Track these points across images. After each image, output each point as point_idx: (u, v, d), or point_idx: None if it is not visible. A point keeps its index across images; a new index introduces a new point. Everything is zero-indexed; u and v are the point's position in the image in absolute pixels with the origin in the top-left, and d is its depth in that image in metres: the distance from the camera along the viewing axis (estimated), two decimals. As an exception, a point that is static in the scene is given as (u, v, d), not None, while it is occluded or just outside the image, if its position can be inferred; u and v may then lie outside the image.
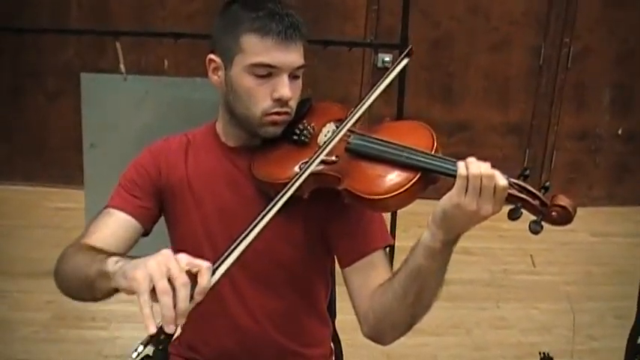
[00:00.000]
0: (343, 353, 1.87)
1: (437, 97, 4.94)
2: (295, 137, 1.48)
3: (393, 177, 1.30)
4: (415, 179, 1.28)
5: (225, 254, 1.20)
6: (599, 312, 3.52)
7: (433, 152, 1.31)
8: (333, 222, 1.51)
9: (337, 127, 1.44)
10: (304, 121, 1.50)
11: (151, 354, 1.09)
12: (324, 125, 1.50)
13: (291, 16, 1.43)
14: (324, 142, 1.39)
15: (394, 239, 3.29)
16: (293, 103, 1.46)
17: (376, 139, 1.38)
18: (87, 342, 3.05)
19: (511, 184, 1.22)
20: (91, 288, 1.26)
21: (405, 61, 1.53)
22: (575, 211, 1.21)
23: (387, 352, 3.04)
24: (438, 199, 1.24)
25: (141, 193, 1.54)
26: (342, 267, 1.51)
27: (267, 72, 1.41)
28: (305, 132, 1.48)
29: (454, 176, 1.21)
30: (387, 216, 3.24)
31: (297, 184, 1.33)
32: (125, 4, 4.66)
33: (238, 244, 1.22)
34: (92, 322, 3.22)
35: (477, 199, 1.19)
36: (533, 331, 3.36)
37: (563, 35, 4.80)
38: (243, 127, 1.50)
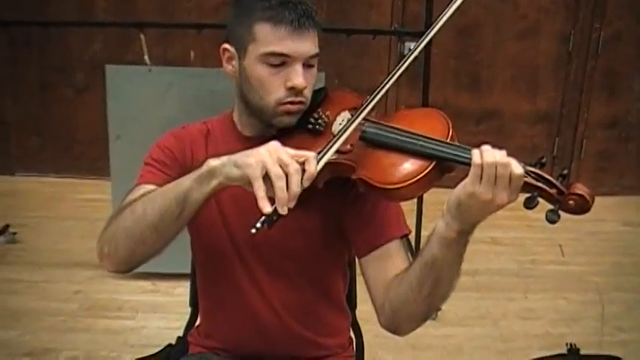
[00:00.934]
0: (368, 344, 1.86)
1: (464, 86, 4.89)
2: (310, 126, 1.47)
3: (408, 166, 1.29)
4: (430, 168, 1.27)
5: (326, 148, 1.30)
6: (628, 303, 3.47)
7: (448, 140, 1.30)
8: (348, 212, 1.50)
9: (352, 116, 1.42)
10: (319, 109, 1.49)
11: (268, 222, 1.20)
12: (338, 114, 1.49)
13: (304, 4, 1.41)
14: (339, 131, 1.38)
15: (420, 229, 3.29)
16: (307, 92, 1.45)
17: (391, 127, 1.36)
18: (113, 332, 3.08)
19: (527, 173, 1.20)
20: (182, 207, 1.29)
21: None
22: (593, 200, 1.18)
23: (412, 343, 3.04)
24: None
25: (169, 170, 1.52)
26: (359, 257, 1.51)
27: (280, 61, 1.40)
28: (320, 121, 1.47)
29: (469, 164, 1.19)
30: (413, 206, 3.25)
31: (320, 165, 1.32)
32: (150, -3, 4.69)
33: (334, 143, 1.32)
34: (119, 311, 3.25)
35: (492, 188, 1.17)
36: (561, 322, 3.32)
37: (592, 21, 4.71)
38: (257, 116, 1.49)
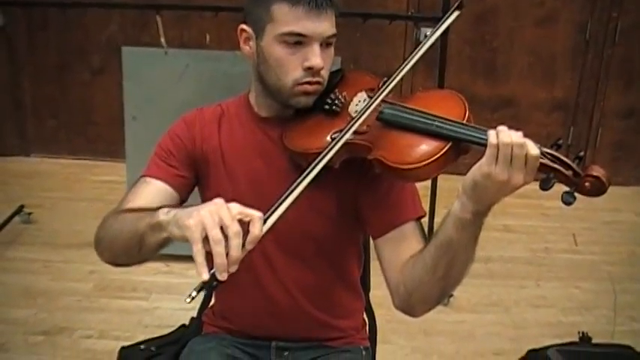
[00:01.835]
0: (380, 328, 1.88)
1: (480, 73, 4.87)
2: (327, 107, 1.48)
3: (424, 146, 1.29)
4: (446, 149, 1.26)
5: (275, 206, 1.22)
6: (641, 293, 3.46)
7: (465, 121, 1.29)
8: (364, 193, 1.50)
9: (369, 97, 1.43)
10: (336, 90, 1.50)
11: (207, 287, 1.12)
12: (355, 95, 1.49)
13: None
14: (358, 112, 1.38)
15: (433, 215, 3.29)
16: (325, 73, 1.45)
17: (407, 108, 1.36)
18: (127, 312, 3.11)
19: (543, 154, 1.19)
20: (140, 244, 1.28)
21: (454, 15, 1.50)
22: (609, 183, 1.18)
23: (424, 328, 3.05)
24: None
25: (177, 162, 1.55)
26: (374, 238, 1.51)
27: (297, 41, 1.40)
28: (337, 102, 1.47)
29: (485, 145, 1.19)
30: (427, 192, 3.25)
31: (332, 152, 1.32)
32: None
33: (285, 198, 1.24)
34: (133, 292, 3.28)
35: (508, 169, 1.17)
36: (574, 311, 3.31)
37: (610, 10, 4.66)
38: (274, 97, 1.49)
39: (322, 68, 1.43)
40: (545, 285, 3.54)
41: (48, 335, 2.91)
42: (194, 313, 1.89)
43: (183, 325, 1.95)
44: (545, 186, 1.19)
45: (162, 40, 3.28)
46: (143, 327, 2.99)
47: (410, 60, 1.44)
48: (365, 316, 1.82)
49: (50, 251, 3.62)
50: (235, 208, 1.14)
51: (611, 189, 1.20)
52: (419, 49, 1.45)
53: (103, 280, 3.34)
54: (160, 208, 1.25)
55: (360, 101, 1.47)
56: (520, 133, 1.18)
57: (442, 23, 1.51)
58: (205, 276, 1.10)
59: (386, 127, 1.37)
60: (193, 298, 1.11)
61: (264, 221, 1.17)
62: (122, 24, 4.68)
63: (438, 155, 1.26)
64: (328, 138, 1.41)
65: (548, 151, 1.21)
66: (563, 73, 4.87)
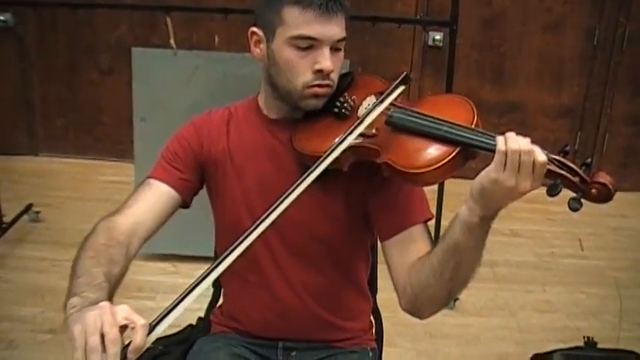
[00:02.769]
0: (386, 331, 1.88)
1: (488, 78, 4.87)
2: (336, 110, 1.49)
3: (432, 151, 1.30)
4: (454, 153, 1.28)
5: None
6: (647, 299, 3.45)
7: (473, 126, 1.31)
8: (372, 196, 1.51)
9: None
10: (345, 94, 1.51)
11: None
12: (364, 98, 1.50)
13: None
14: (364, 115, 1.39)
15: (440, 219, 3.29)
16: (334, 76, 1.47)
17: (416, 112, 1.37)
18: (134, 311, 3.10)
19: (551, 160, 1.21)
20: None
21: (398, 90, 1.47)
22: (615, 190, 1.19)
23: (429, 331, 3.06)
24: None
25: (182, 166, 1.56)
26: (382, 240, 1.52)
27: (308, 44, 1.42)
28: (346, 105, 1.49)
29: (493, 151, 1.20)
30: (433, 195, 3.26)
31: (334, 154, 1.34)
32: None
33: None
34: (139, 292, 3.29)
35: (516, 175, 1.18)
36: (579, 316, 3.32)
37: (618, 16, 4.66)
38: (284, 99, 1.51)
39: (332, 71, 1.44)
40: (550, 290, 3.55)
41: (55, 333, 2.92)
42: (201, 314, 1.90)
43: (191, 325, 1.96)
44: (552, 192, 1.20)
45: (172, 41, 3.29)
46: (150, 327, 2.99)
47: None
48: (372, 317, 1.83)
49: (58, 250, 3.63)
50: (122, 312, 1.08)
51: (617, 195, 1.21)
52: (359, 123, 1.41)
53: (109, 280, 3.34)
54: (76, 295, 1.19)
55: (369, 105, 1.48)
56: (528, 140, 1.19)
57: (387, 96, 1.46)
58: None
59: (395, 131, 1.38)
60: None
61: (154, 327, 1.12)
62: (131, 25, 4.70)
63: (447, 160, 1.27)
64: (337, 141, 1.42)
65: (556, 157, 1.22)
66: (570, 79, 4.87)
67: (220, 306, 1.82)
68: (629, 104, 4.88)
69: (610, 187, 1.19)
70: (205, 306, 1.90)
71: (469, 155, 1.30)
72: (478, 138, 1.27)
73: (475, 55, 4.78)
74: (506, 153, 1.18)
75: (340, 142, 1.36)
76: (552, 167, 1.20)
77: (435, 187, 3.30)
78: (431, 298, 1.40)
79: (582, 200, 1.20)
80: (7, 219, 3.76)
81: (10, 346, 2.82)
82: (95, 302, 1.13)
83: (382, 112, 1.39)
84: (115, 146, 4.91)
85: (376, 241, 1.69)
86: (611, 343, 2.91)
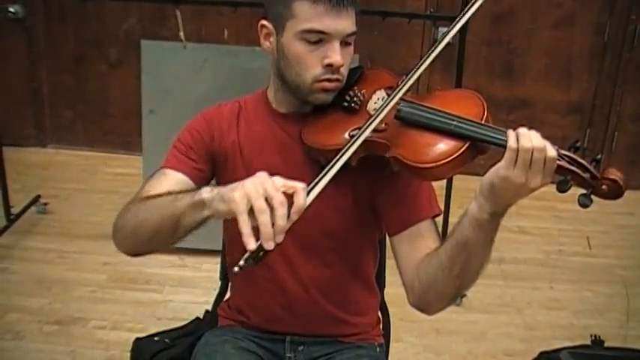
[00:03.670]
0: (393, 326, 1.88)
1: (497, 74, 4.85)
2: (345, 104, 1.48)
3: (442, 146, 1.29)
4: (464, 148, 1.27)
5: (317, 179, 1.24)
6: (655, 298, 3.44)
7: (483, 121, 1.30)
8: (381, 190, 1.51)
9: (388, 95, 1.43)
10: (355, 88, 1.50)
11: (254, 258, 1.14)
12: (374, 92, 1.50)
13: None
14: (377, 110, 1.39)
15: (448, 216, 3.29)
16: (344, 70, 1.46)
17: (426, 107, 1.36)
18: (140, 304, 3.13)
19: (561, 156, 1.20)
20: (175, 226, 1.29)
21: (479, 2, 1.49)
22: (626, 186, 1.18)
23: (436, 328, 3.06)
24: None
25: (196, 156, 1.56)
26: (390, 235, 1.52)
27: (318, 38, 1.41)
28: (355, 99, 1.48)
29: (504, 146, 1.19)
30: (441, 192, 3.25)
31: (352, 149, 1.33)
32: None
33: (327, 172, 1.26)
34: (146, 284, 3.30)
35: (527, 172, 1.17)
36: (586, 314, 3.31)
37: (629, 12, 4.63)
38: (293, 93, 1.50)
39: (342, 65, 1.44)
40: (558, 287, 3.54)
41: (62, 325, 2.93)
42: (208, 307, 1.91)
43: (198, 318, 1.97)
44: (562, 188, 1.19)
45: (181, 34, 3.28)
46: (156, 319, 3.00)
47: (427, 57, 1.44)
48: (379, 313, 1.83)
49: (65, 242, 3.65)
50: (279, 180, 1.16)
51: (626, 192, 1.20)
52: (439, 42, 1.43)
53: (116, 272, 3.36)
54: (200, 188, 1.27)
55: (378, 99, 1.48)
56: (539, 135, 1.18)
57: (467, 11, 1.49)
58: (252, 245, 1.12)
59: (404, 125, 1.37)
60: (241, 268, 1.13)
61: (309, 192, 1.19)
62: (141, 17, 4.70)
63: (456, 155, 1.27)
64: (346, 135, 1.42)
65: (566, 153, 1.21)
66: (580, 76, 4.85)
67: (228, 299, 1.81)
68: (639, 101, 4.86)
69: (621, 183, 1.18)
70: (212, 299, 1.90)
71: (479, 150, 1.29)
72: (488, 133, 1.26)
73: (484, 51, 4.77)
74: (517, 151, 1.17)
75: (361, 134, 1.35)
76: (562, 163, 1.19)
77: (443, 183, 3.30)
78: (439, 294, 1.39)
79: (592, 197, 1.19)
80: (14, 210, 3.77)
81: (17, 337, 2.83)
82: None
83: (392, 107, 1.38)
84: (123, 138, 4.92)
85: (384, 236, 1.68)
86: (618, 341, 2.91)
